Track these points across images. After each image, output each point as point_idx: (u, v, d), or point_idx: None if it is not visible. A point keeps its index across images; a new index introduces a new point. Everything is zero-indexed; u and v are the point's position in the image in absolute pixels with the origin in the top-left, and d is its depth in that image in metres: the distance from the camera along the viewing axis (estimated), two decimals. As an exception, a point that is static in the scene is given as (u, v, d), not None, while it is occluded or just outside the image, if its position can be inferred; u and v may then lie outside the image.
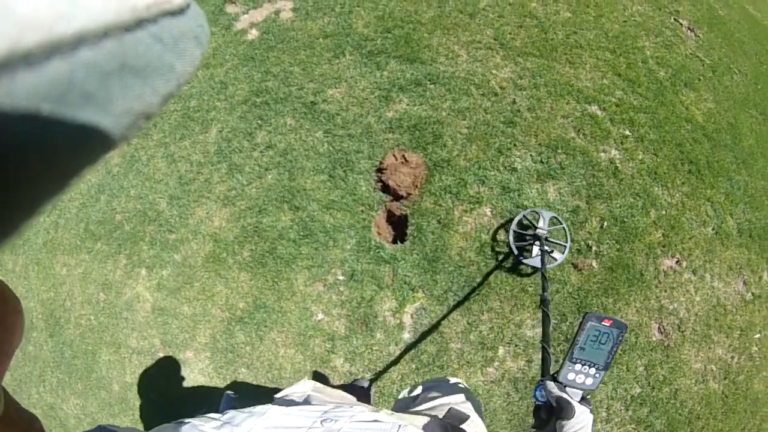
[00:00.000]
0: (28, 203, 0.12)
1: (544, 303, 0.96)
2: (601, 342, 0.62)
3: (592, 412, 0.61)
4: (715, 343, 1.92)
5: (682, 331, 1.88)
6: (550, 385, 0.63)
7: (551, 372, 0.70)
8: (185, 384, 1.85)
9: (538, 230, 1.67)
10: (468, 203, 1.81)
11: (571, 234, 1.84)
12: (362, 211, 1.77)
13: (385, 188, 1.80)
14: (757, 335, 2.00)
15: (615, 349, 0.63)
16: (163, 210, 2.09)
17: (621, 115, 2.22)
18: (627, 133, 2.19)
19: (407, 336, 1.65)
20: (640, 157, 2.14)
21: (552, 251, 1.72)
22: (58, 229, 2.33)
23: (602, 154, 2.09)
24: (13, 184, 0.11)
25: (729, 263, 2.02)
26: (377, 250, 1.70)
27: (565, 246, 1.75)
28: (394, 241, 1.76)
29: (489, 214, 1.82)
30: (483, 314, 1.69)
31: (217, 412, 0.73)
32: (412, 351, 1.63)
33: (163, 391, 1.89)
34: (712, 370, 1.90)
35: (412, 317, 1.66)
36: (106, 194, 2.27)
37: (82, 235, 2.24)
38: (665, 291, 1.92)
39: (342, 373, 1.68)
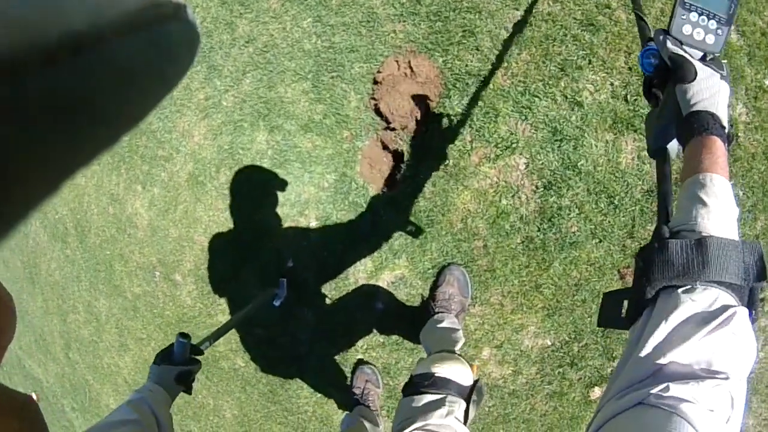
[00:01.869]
0: (20, 205, 0.12)
1: (635, 2, 0.74)
2: None
3: (726, 79, 0.45)
4: (752, 412, 1.43)
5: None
6: (661, 38, 0.48)
7: (650, 33, 0.56)
8: (175, 305, 1.83)
9: None
10: (494, 146, 1.24)
11: None
12: (347, 138, 1.32)
13: (379, 110, 1.29)
14: None
15: None
16: (152, 120, 1.87)
17: (766, 51, 1.31)
18: (767, 83, 1.31)
19: (380, 306, 1.32)
20: None
21: None
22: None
23: None
24: (7, 186, 0.11)
25: None
26: (357, 196, 1.29)
27: None
28: (391, 183, 1.32)
29: (522, 168, 1.25)
30: (475, 306, 1.27)
31: (191, 344, 0.86)
32: (383, 323, 1.32)
33: (160, 310, 1.91)
34: None
35: (388, 286, 1.30)
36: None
37: (92, 142, 2.18)
38: None
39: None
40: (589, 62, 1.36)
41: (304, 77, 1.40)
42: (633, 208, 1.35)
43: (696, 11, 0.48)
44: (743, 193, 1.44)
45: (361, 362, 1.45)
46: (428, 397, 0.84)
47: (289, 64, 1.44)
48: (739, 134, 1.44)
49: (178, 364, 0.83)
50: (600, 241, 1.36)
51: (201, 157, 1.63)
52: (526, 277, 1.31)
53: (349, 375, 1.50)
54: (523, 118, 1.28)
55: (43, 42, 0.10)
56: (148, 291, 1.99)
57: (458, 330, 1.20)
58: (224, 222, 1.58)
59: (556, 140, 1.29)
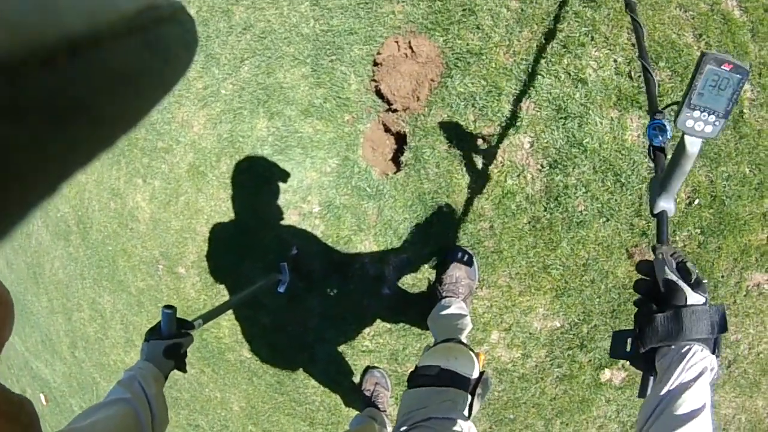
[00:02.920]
0: (20, 205, 0.12)
1: (630, 7, 0.85)
2: (721, 88, 0.56)
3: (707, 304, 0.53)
4: (761, 394, 1.37)
5: (731, 370, 1.33)
6: (660, 262, 0.55)
7: (658, 106, 0.65)
8: (179, 297, 1.82)
9: None
10: (498, 125, 1.22)
11: None
12: (348, 122, 1.30)
13: (380, 92, 1.27)
14: None
15: (736, 96, 0.57)
16: (150, 112, 1.86)
17: None
18: None
19: (386, 291, 1.31)
20: None
21: None
22: (74, 131, 2.28)
23: None
24: (6, 186, 0.11)
25: None
26: (360, 180, 1.27)
27: None
28: (395, 166, 1.30)
29: (527, 147, 1.22)
30: (482, 289, 1.25)
31: (179, 318, 0.87)
32: (390, 309, 1.30)
33: (165, 301, 1.90)
34: (740, 420, 1.42)
35: (394, 270, 1.29)
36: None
37: (91, 138, 2.16)
38: (736, 316, 1.32)
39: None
40: (592, 39, 1.34)
41: (302, 62, 1.38)
42: (640, 186, 1.33)
43: (699, 110, 0.57)
44: (749, 171, 1.41)
45: (370, 367, 1.44)
46: (432, 391, 0.83)
47: (287, 49, 1.42)
48: (744, 111, 1.41)
49: (167, 337, 0.82)
50: (607, 220, 1.35)
51: (201, 147, 1.62)
52: (533, 257, 1.29)
53: (355, 365, 1.49)
54: (527, 96, 1.26)
55: (41, 43, 0.10)
56: (152, 285, 1.98)
57: (466, 315, 1.18)
58: (227, 212, 1.57)
59: (561, 118, 1.27)
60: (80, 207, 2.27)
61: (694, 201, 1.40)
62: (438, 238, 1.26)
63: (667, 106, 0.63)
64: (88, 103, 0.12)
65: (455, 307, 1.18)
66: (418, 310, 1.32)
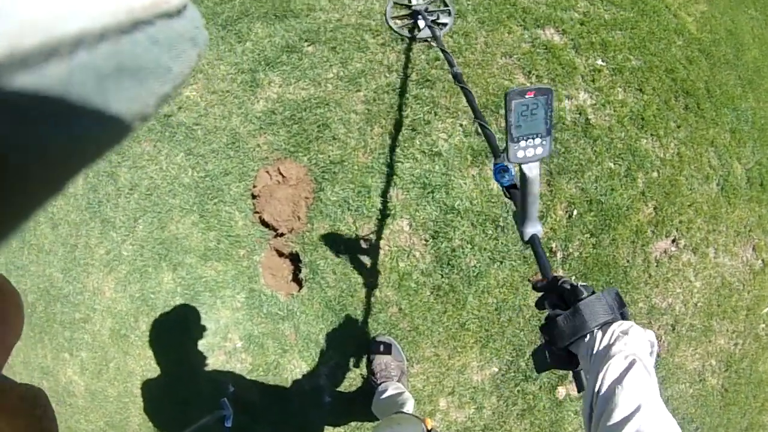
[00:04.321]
0: (21, 205, 0.12)
1: (457, 78, 0.92)
2: (533, 113, 0.61)
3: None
4: (717, 333, 1.52)
5: (677, 331, 1.49)
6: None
7: (499, 152, 0.73)
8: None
9: (413, 5, 1.55)
10: (376, 218, 1.36)
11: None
12: (244, 256, 1.38)
13: (264, 221, 1.38)
14: (766, 309, 1.54)
15: (550, 112, 0.61)
16: (62, 286, 1.84)
17: (589, 36, 1.58)
18: (599, 63, 1.57)
19: (327, 399, 1.35)
20: (620, 98, 1.55)
21: (438, 17, 1.56)
22: (-11, 318, 2.18)
23: (566, 103, 1.52)
24: (9, 185, 0.11)
25: (736, 227, 1.50)
26: (270, 306, 1.35)
27: (448, 8, 1.57)
28: (297, 284, 1.38)
29: (407, 228, 1.37)
30: (414, 366, 1.34)
31: None
32: (337, 414, 1.35)
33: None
34: (711, 365, 1.54)
35: (327, 378, 1.34)
36: (13, 275, 2.04)
37: (8, 322, 2.08)
38: (657, 286, 1.48)
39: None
40: (435, 114, 1.54)
41: (190, 210, 1.47)
42: (517, 225, 1.51)
43: (523, 139, 0.62)
44: (613, 164, 1.63)
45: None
46: None
47: (173, 201, 1.51)
48: (590, 116, 1.65)
49: None
50: (501, 263, 1.49)
51: (117, 311, 1.62)
52: (447, 321, 1.39)
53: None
54: (393, 184, 1.42)
55: (44, 40, 0.10)
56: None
57: (403, 392, 1.24)
58: (157, 367, 1.56)
59: (428, 193, 1.43)
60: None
61: (572, 213, 1.59)
62: (356, 335, 1.34)
63: (504, 149, 0.66)
64: (93, 100, 0.12)
65: (392, 388, 1.24)
66: (362, 405, 1.37)
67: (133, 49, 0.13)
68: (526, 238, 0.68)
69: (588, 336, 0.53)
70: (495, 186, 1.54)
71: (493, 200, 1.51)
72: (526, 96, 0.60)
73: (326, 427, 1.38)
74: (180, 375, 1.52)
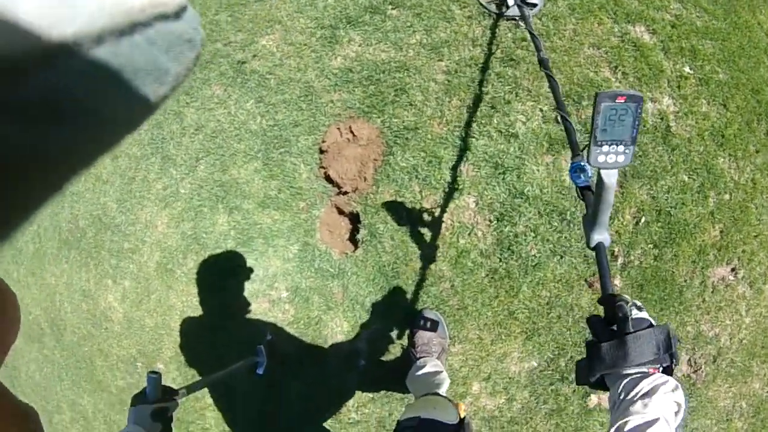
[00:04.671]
0: (22, 206, 0.12)
1: (543, 64, 0.88)
2: (621, 119, 0.59)
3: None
4: (754, 376, 1.44)
5: (717, 364, 1.41)
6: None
7: (579, 150, 0.71)
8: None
9: None
10: (443, 191, 1.31)
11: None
12: (303, 209, 1.37)
13: (329, 177, 1.36)
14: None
15: (637, 121, 0.60)
16: (114, 215, 1.89)
17: (679, 41, 1.48)
18: (687, 70, 1.46)
19: (363, 363, 1.34)
20: (703, 110, 1.44)
21: None
22: (40, 238, 2.27)
23: (649, 105, 1.43)
24: (7, 186, 0.11)
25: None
26: (322, 262, 1.33)
27: None
28: (353, 245, 1.36)
29: (473, 206, 1.32)
30: (455, 345, 1.30)
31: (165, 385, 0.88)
32: (370, 379, 1.33)
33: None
34: (741, 407, 1.48)
35: (367, 342, 1.32)
36: (68, 199, 2.11)
37: (58, 243, 2.16)
38: (708, 313, 1.40)
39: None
40: (516, 95, 1.47)
41: (254, 157, 1.47)
42: (583, 222, 1.44)
43: (606, 144, 0.60)
44: (688, 177, 1.54)
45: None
46: None
47: (238, 146, 1.51)
48: (671, 124, 1.56)
49: (153, 401, 0.84)
50: (561, 258, 1.43)
51: (167, 246, 1.65)
52: (497, 307, 1.35)
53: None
54: (465, 159, 1.37)
55: (43, 43, 0.10)
56: (132, 383, 1.93)
57: (441, 372, 1.22)
58: (199, 306, 1.58)
59: (499, 173, 1.37)
60: (52, 309, 2.23)
61: (640, 220, 1.51)
62: (404, 305, 1.31)
63: (585, 147, 0.65)
64: (91, 102, 0.12)
65: (430, 365, 1.22)
66: (397, 375, 1.35)
67: (132, 51, 0.13)
68: (593, 245, 0.66)
69: (620, 382, 0.52)
70: (567, 178, 1.47)
71: (563, 192, 1.45)
72: (617, 100, 0.58)
73: (357, 390, 1.37)
74: (220, 316, 1.54)
